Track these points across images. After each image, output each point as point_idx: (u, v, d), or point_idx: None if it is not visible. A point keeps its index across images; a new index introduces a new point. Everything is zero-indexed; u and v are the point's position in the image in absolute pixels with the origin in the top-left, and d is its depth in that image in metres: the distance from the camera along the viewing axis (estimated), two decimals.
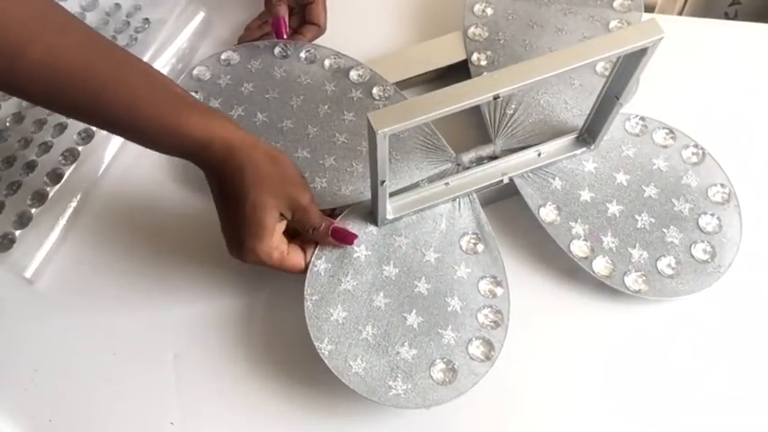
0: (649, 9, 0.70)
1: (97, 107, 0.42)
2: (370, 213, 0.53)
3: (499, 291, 0.50)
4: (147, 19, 0.65)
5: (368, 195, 0.53)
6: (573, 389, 0.50)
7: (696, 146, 0.56)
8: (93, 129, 0.60)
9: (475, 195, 0.54)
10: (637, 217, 0.53)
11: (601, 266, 0.52)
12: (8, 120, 0.61)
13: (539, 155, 0.55)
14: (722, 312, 0.52)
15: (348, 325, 0.49)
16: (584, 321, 0.52)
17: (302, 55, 0.61)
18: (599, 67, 0.59)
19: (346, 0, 0.69)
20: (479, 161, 0.56)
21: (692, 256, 0.52)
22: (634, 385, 0.50)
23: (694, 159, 0.56)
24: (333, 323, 0.49)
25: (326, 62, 0.61)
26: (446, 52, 0.62)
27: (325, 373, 0.47)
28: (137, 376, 0.52)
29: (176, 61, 0.64)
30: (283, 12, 0.61)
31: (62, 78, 0.40)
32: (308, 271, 0.50)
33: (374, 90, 0.59)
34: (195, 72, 0.61)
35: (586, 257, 0.52)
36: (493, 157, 0.56)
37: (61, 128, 0.60)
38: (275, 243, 0.47)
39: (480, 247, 0.52)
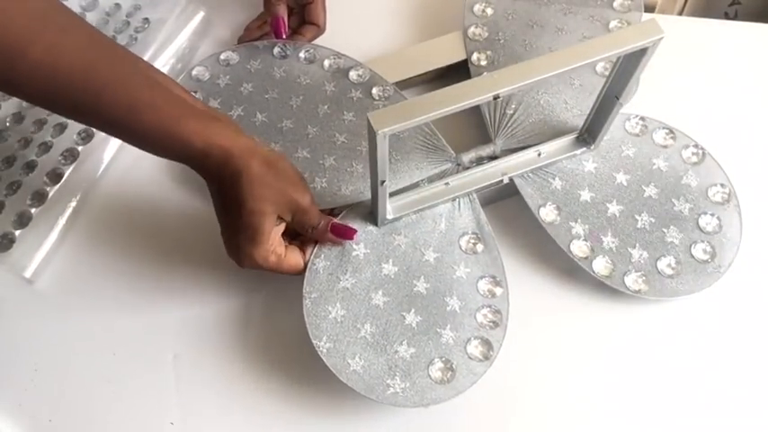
0: (649, 9, 0.70)
1: (97, 108, 0.42)
2: (370, 213, 0.53)
3: (498, 291, 0.50)
4: (146, 19, 0.65)
5: (368, 195, 0.53)
6: (572, 389, 0.50)
7: (696, 146, 0.56)
8: (93, 129, 0.60)
9: (475, 195, 0.54)
10: (637, 217, 0.53)
11: (601, 266, 0.52)
12: (8, 120, 0.61)
13: (539, 155, 0.55)
14: (722, 312, 0.52)
15: (347, 323, 0.49)
16: (584, 321, 0.52)
17: (302, 55, 0.61)
18: (599, 67, 0.59)
19: (346, 0, 0.69)
20: (479, 161, 0.56)
21: (692, 256, 0.52)
22: (634, 385, 0.50)
23: (694, 159, 0.56)
24: (331, 321, 0.49)
25: (326, 62, 0.61)
26: (446, 52, 0.62)
27: (323, 372, 0.47)
28: (137, 376, 0.52)
29: (176, 61, 0.64)
30: (282, 12, 0.61)
31: (62, 79, 0.40)
32: (307, 269, 0.50)
33: (374, 90, 0.59)
34: (194, 72, 0.61)
35: (586, 257, 0.52)
36: (493, 157, 0.56)
37: (61, 128, 0.60)
38: (272, 247, 0.47)
39: (480, 247, 0.52)
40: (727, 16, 0.84)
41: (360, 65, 0.60)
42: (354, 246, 0.52)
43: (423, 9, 0.69)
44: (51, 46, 0.39)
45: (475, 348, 0.48)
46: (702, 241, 0.52)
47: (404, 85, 0.62)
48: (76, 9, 0.67)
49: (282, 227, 0.48)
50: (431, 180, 0.55)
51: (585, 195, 0.54)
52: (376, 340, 0.48)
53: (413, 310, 0.50)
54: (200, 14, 0.66)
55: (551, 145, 0.55)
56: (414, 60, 0.62)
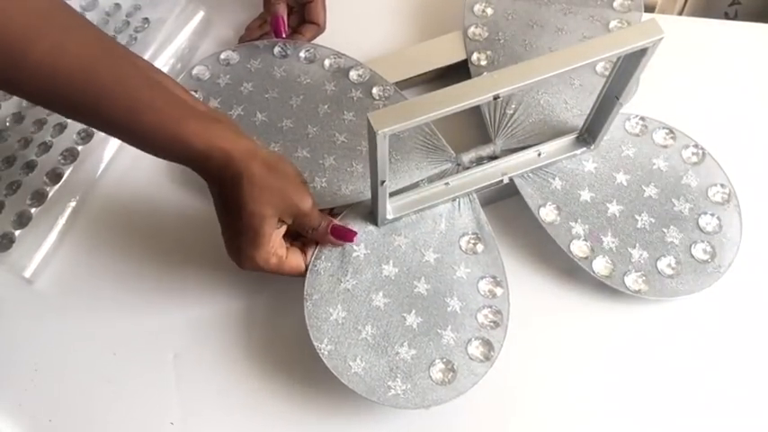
0: (649, 9, 0.70)
1: (96, 109, 0.42)
2: (370, 213, 0.53)
3: (499, 291, 0.50)
4: (146, 19, 0.65)
5: (368, 195, 0.53)
6: (573, 389, 0.50)
7: (696, 146, 0.56)
8: (93, 129, 0.60)
9: (475, 195, 0.54)
10: (637, 217, 0.53)
11: (601, 266, 0.52)
12: (8, 119, 0.61)
13: (539, 155, 0.55)
14: (722, 312, 0.52)
15: (348, 325, 0.49)
16: (584, 321, 0.52)
17: (302, 55, 0.61)
18: (599, 67, 0.59)
19: (346, 0, 0.69)
20: (479, 161, 0.56)
21: (692, 256, 0.52)
22: (634, 385, 0.50)
23: (694, 159, 0.56)
24: (332, 323, 0.49)
25: (326, 62, 0.61)
26: (446, 52, 0.62)
27: (324, 373, 0.47)
28: (137, 376, 0.52)
29: (176, 61, 0.64)
30: (282, 11, 0.61)
31: (62, 78, 0.40)
32: (308, 271, 0.50)
33: (374, 90, 0.59)
34: (195, 72, 0.61)
35: (586, 257, 0.52)
36: (493, 157, 0.56)
37: (61, 128, 0.60)
38: (273, 249, 0.47)
39: (480, 248, 0.52)
40: (727, 16, 0.84)
41: (360, 65, 0.60)
42: (355, 247, 0.52)
43: (423, 9, 0.69)
44: (53, 45, 0.39)
45: (476, 349, 0.48)
46: (702, 241, 0.52)
47: (404, 84, 0.62)
48: (77, 9, 0.67)
49: (284, 229, 0.48)
50: (431, 180, 0.55)
51: (585, 195, 0.54)
52: (377, 342, 0.48)
53: (413, 312, 0.50)
54: (200, 14, 0.66)
55: (551, 145, 0.55)
56: (414, 60, 0.62)
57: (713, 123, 0.59)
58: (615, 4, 0.62)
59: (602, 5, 0.62)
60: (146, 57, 0.63)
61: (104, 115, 0.42)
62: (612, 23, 0.61)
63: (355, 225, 0.52)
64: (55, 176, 0.58)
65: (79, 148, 0.59)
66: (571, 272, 0.54)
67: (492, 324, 0.49)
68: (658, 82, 0.60)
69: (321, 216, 0.49)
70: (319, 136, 0.57)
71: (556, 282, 0.54)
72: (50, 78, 0.40)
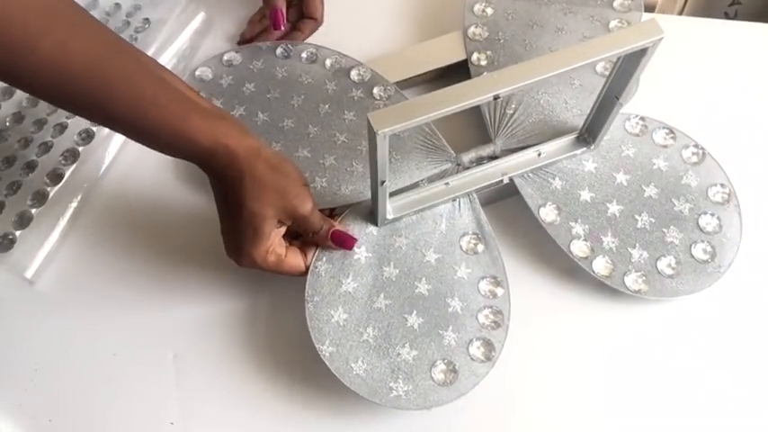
0: (649, 9, 0.70)
1: (102, 105, 0.42)
2: (371, 213, 0.53)
3: (499, 291, 0.50)
4: (147, 19, 0.65)
5: (368, 195, 0.53)
6: (573, 389, 0.50)
7: (696, 146, 0.56)
8: (94, 129, 0.60)
9: (475, 195, 0.54)
10: (637, 217, 0.53)
11: (601, 266, 0.52)
12: (8, 119, 0.61)
13: (539, 155, 0.55)
14: (722, 312, 0.52)
15: (349, 327, 0.49)
16: (584, 321, 0.52)
17: (303, 55, 0.61)
18: (599, 67, 0.59)
19: (347, 0, 0.69)
20: (479, 161, 0.56)
21: (692, 256, 0.52)
22: (634, 385, 0.50)
23: (694, 159, 0.56)
24: (334, 325, 0.49)
25: (327, 62, 0.61)
26: (446, 52, 0.62)
27: (326, 375, 0.47)
28: (137, 376, 0.52)
29: (177, 61, 0.64)
30: (281, 4, 0.62)
31: (69, 74, 0.40)
32: (309, 272, 0.50)
33: (375, 90, 0.59)
34: (198, 73, 0.61)
35: (586, 257, 0.52)
36: (493, 157, 0.56)
37: (61, 128, 0.60)
38: (272, 247, 0.47)
39: (480, 248, 0.52)
40: (727, 16, 0.84)
41: (361, 64, 0.60)
42: (356, 249, 0.52)
43: (423, 9, 0.69)
44: (59, 41, 0.39)
45: (477, 349, 0.48)
46: (702, 241, 0.52)
47: (404, 84, 0.62)
48: None
49: (283, 229, 0.48)
50: (431, 180, 0.55)
51: (585, 195, 0.54)
52: (378, 343, 0.48)
53: (414, 312, 0.50)
54: (201, 14, 0.66)
55: (551, 145, 0.55)
56: (414, 60, 0.62)
57: (713, 123, 0.59)
58: (615, 4, 0.62)
59: (602, 5, 0.62)
60: None
61: (109, 111, 0.42)
62: (612, 23, 0.61)
63: (355, 225, 0.52)
64: (56, 177, 0.58)
65: (80, 148, 0.59)
66: (571, 272, 0.54)
67: (493, 324, 0.49)
68: (658, 82, 0.60)
69: (322, 219, 0.49)
70: (320, 136, 0.57)
71: (556, 282, 0.54)
72: (56, 74, 0.40)
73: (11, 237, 0.56)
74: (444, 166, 0.55)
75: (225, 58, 0.62)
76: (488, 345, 0.48)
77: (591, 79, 0.59)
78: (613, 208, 0.54)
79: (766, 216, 0.55)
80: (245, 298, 0.54)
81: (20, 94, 0.63)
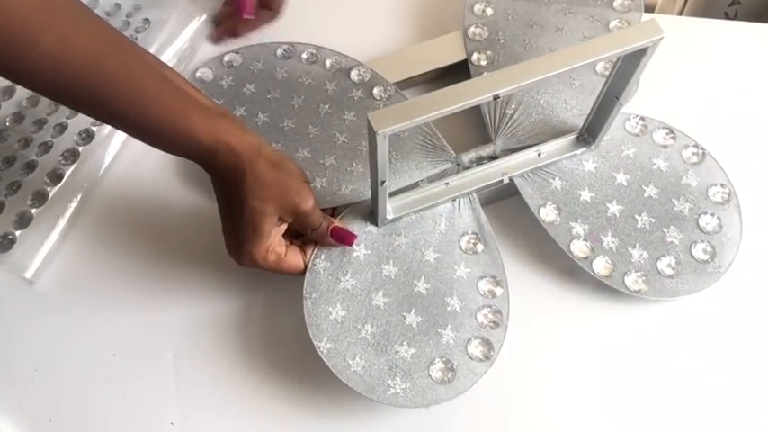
0: (649, 9, 0.70)
1: (104, 102, 0.42)
2: (370, 213, 0.53)
3: (498, 291, 0.50)
4: (147, 19, 0.65)
5: (368, 195, 0.53)
6: (572, 389, 0.50)
7: (696, 146, 0.56)
8: (94, 129, 0.60)
9: (475, 195, 0.54)
10: (637, 217, 0.53)
11: (601, 266, 0.52)
12: (8, 119, 0.62)
13: (539, 155, 0.55)
14: (722, 312, 0.52)
15: (347, 324, 0.49)
16: (584, 321, 0.52)
17: (304, 56, 0.61)
18: (599, 67, 0.59)
19: (347, 0, 0.69)
20: (479, 161, 0.56)
21: (692, 256, 0.52)
22: (634, 385, 0.50)
23: (694, 159, 0.56)
24: (332, 322, 0.49)
25: (327, 62, 0.61)
26: (446, 52, 0.62)
27: (324, 372, 0.47)
28: (137, 376, 0.52)
29: (177, 62, 0.64)
30: None
31: (70, 70, 0.40)
32: (308, 270, 0.50)
33: (375, 90, 0.59)
34: (198, 73, 0.61)
35: (586, 257, 0.52)
36: (493, 157, 0.56)
37: (61, 128, 0.60)
38: (272, 246, 0.47)
39: (480, 247, 0.52)
40: (727, 16, 0.85)
41: (361, 65, 0.60)
42: (355, 247, 0.52)
43: (423, 9, 0.69)
44: (62, 37, 0.39)
45: (475, 348, 0.48)
46: (702, 241, 0.52)
47: (404, 84, 0.62)
48: None
49: (284, 227, 0.48)
50: (431, 180, 0.55)
51: (585, 195, 0.54)
52: (376, 341, 0.49)
53: (413, 311, 0.50)
54: (201, 15, 0.66)
55: (551, 145, 0.55)
56: (414, 60, 0.62)
57: (713, 123, 0.59)
58: (615, 4, 0.62)
59: (602, 5, 0.62)
60: None
61: (111, 108, 0.42)
62: (612, 23, 0.61)
63: (355, 225, 0.52)
64: (56, 177, 0.58)
65: (80, 148, 0.59)
66: (571, 272, 0.54)
67: (492, 324, 0.49)
68: (658, 82, 0.60)
69: (322, 217, 0.49)
70: (320, 136, 0.57)
71: (556, 282, 0.54)
72: (57, 70, 0.40)
73: (11, 237, 0.56)
74: (444, 166, 0.55)
75: (225, 59, 0.62)
76: (487, 344, 0.48)
77: (591, 79, 0.59)
78: (613, 208, 0.54)
79: (766, 216, 0.55)
80: (244, 297, 0.54)
81: (20, 94, 0.63)
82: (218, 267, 0.54)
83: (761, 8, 0.83)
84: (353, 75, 0.60)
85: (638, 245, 0.52)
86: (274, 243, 0.47)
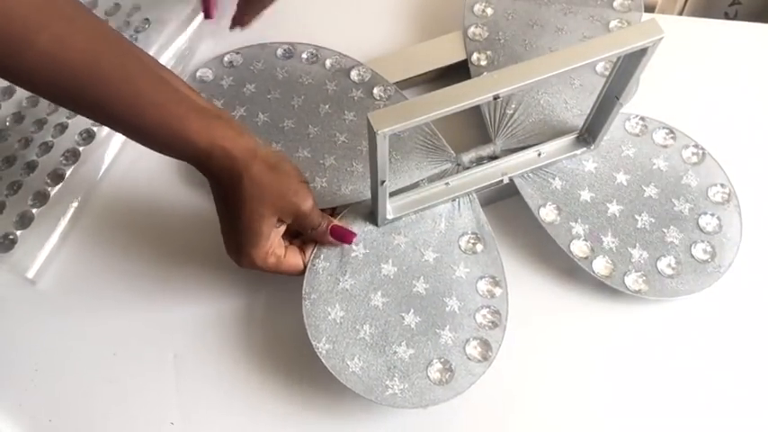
0: (649, 9, 0.70)
1: (100, 102, 0.41)
2: (370, 213, 0.53)
3: (498, 291, 0.50)
4: (147, 19, 0.65)
5: (368, 195, 0.53)
6: (572, 389, 0.50)
7: (696, 146, 0.56)
8: (94, 129, 0.60)
9: (475, 195, 0.54)
10: (637, 217, 0.53)
11: (601, 266, 0.52)
12: (8, 119, 0.62)
13: (539, 155, 0.55)
14: (722, 312, 0.52)
15: (346, 324, 0.49)
16: (584, 321, 0.52)
17: (304, 56, 0.61)
18: (599, 67, 0.59)
19: (347, 0, 0.69)
20: (479, 161, 0.56)
21: (692, 256, 0.52)
22: (634, 385, 0.50)
23: (694, 159, 0.56)
24: (330, 322, 0.49)
25: (328, 62, 0.61)
26: (446, 52, 0.62)
27: (322, 372, 0.47)
28: (137, 376, 0.52)
29: (176, 62, 0.64)
30: None
31: (67, 70, 0.40)
32: (307, 270, 0.50)
33: (375, 90, 0.59)
34: (198, 74, 0.61)
35: (586, 257, 0.52)
36: (493, 157, 0.56)
37: (62, 128, 0.60)
38: (272, 248, 0.47)
39: (479, 247, 0.52)
40: (727, 16, 0.84)
41: (361, 65, 0.60)
42: (354, 246, 0.52)
43: (423, 9, 0.69)
44: (58, 36, 0.39)
45: (474, 349, 0.48)
46: (702, 241, 0.52)
47: (404, 84, 0.62)
48: None
49: (283, 228, 0.48)
50: (431, 180, 0.55)
51: (585, 195, 0.54)
52: (375, 341, 0.49)
53: (412, 311, 0.50)
54: (201, 15, 0.66)
55: (551, 145, 0.55)
56: (414, 60, 0.62)
57: (713, 123, 0.59)
58: (615, 4, 0.62)
59: (602, 5, 0.62)
60: None
61: (108, 109, 0.42)
62: (612, 23, 0.61)
63: (355, 225, 0.52)
64: (56, 177, 0.58)
65: (81, 148, 0.59)
66: (571, 272, 0.54)
67: (490, 324, 0.49)
68: (658, 82, 0.60)
69: (321, 216, 0.49)
70: (320, 136, 0.57)
71: (556, 282, 0.54)
72: (54, 70, 0.39)
73: (12, 237, 0.56)
74: (444, 166, 0.55)
75: (225, 59, 0.62)
76: (485, 344, 0.48)
77: (591, 79, 0.59)
78: (613, 208, 0.54)
79: (766, 216, 0.55)
80: (243, 297, 0.54)
81: (20, 94, 0.63)
82: (218, 268, 0.55)
83: (761, 8, 0.83)
84: (353, 75, 0.60)
85: (638, 245, 0.52)
86: (274, 245, 0.47)
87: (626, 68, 0.47)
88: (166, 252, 0.57)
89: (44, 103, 0.62)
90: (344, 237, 0.51)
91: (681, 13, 0.85)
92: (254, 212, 0.45)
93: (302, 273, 0.50)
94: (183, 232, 0.57)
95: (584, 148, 0.55)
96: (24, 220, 0.56)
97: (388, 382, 0.47)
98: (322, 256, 0.51)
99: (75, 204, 0.58)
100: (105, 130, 0.60)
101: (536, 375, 0.51)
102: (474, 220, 0.53)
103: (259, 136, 0.57)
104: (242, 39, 0.64)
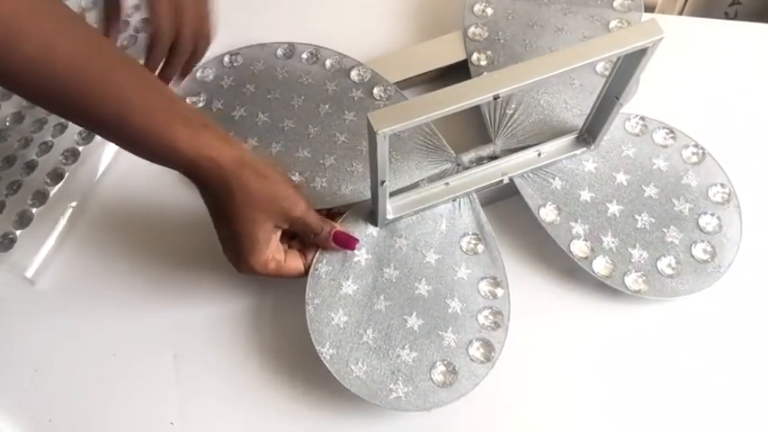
0: (649, 9, 0.70)
1: (87, 108, 0.41)
2: (371, 213, 0.53)
3: (499, 291, 0.50)
4: (146, 19, 0.65)
5: (368, 195, 0.53)
6: (573, 389, 0.50)
7: (696, 146, 0.56)
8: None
9: (475, 195, 0.54)
10: (637, 217, 0.53)
11: (601, 266, 0.52)
12: (8, 119, 0.61)
13: (539, 155, 0.55)
14: (722, 312, 0.52)
15: (349, 329, 0.49)
16: (584, 321, 0.52)
17: (304, 56, 0.61)
18: (599, 67, 0.59)
19: (347, 0, 0.69)
20: (479, 161, 0.56)
21: (692, 256, 0.52)
22: (634, 385, 0.50)
23: (694, 159, 0.56)
24: (334, 327, 0.49)
25: (328, 62, 0.61)
26: (446, 52, 0.62)
27: (326, 377, 0.47)
28: (137, 376, 0.52)
29: None
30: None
31: (54, 75, 0.39)
32: (310, 275, 0.50)
33: (375, 90, 0.59)
34: (198, 74, 0.61)
35: (586, 257, 0.52)
36: (493, 157, 0.56)
37: (62, 127, 0.60)
38: (271, 254, 0.47)
39: (480, 248, 0.52)
40: (727, 16, 0.85)
41: (361, 65, 0.60)
42: (356, 251, 0.51)
43: (423, 9, 0.69)
44: (46, 40, 0.38)
45: (476, 350, 0.48)
46: (702, 241, 0.52)
47: (404, 84, 0.62)
48: (76, 9, 0.67)
49: (279, 233, 0.48)
50: (431, 180, 0.55)
51: (585, 195, 0.54)
52: (378, 345, 0.48)
53: (414, 314, 0.50)
54: None
55: (551, 145, 0.55)
56: (414, 60, 0.62)
57: (713, 123, 0.59)
58: (615, 4, 0.62)
59: (602, 5, 0.62)
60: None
61: (95, 115, 0.41)
62: (612, 23, 0.61)
63: (356, 226, 0.52)
64: (56, 176, 0.58)
65: (80, 148, 0.59)
66: (571, 272, 0.54)
67: (493, 325, 0.49)
68: (658, 82, 0.60)
69: (322, 221, 0.49)
70: (320, 136, 0.57)
71: (556, 282, 0.54)
72: (40, 74, 0.39)
73: (11, 236, 0.56)
74: (444, 166, 0.55)
75: (225, 59, 0.62)
76: (488, 346, 0.48)
77: (591, 79, 0.59)
78: (613, 208, 0.54)
79: (766, 216, 0.55)
80: (245, 299, 0.54)
81: None
82: (219, 268, 0.54)
83: (761, 8, 0.83)
84: (353, 75, 0.60)
85: (638, 245, 0.52)
86: (272, 250, 0.47)
87: (626, 68, 0.47)
88: (167, 252, 0.57)
89: None
90: (347, 243, 0.50)
91: (681, 13, 0.85)
92: (247, 221, 0.45)
93: (304, 275, 0.50)
94: (184, 232, 0.57)
95: (584, 148, 0.55)
96: (24, 220, 0.56)
97: (392, 386, 0.47)
98: (324, 261, 0.51)
99: (74, 204, 0.58)
100: None
101: (537, 376, 0.51)
102: (474, 221, 0.53)
103: (259, 136, 0.57)
104: (242, 39, 0.64)
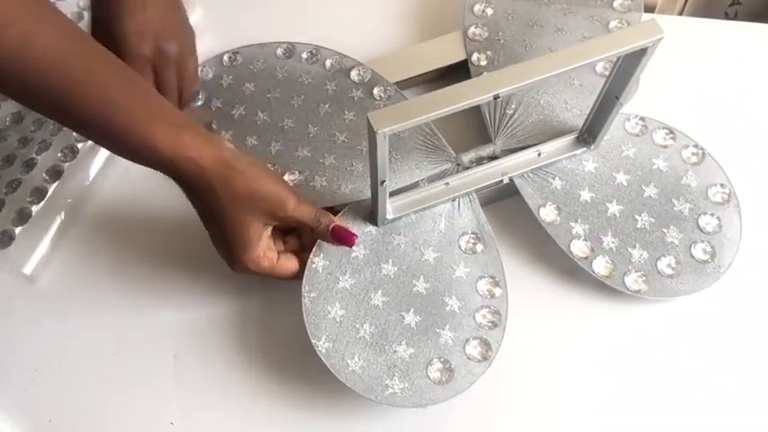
0: (649, 9, 0.70)
1: (69, 106, 0.41)
2: (370, 213, 0.53)
3: (497, 291, 0.50)
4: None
5: (367, 194, 0.53)
6: (572, 389, 0.50)
7: (696, 146, 0.56)
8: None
9: (475, 195, 0.54)
10: (637, 217, 0.53)
11: (601, 266, 0.52)
12: (8, 119, 0.62)
13: (539, 155, 0.55)
14: (722, 312, 0.52)
15: (346, 323, 0.49)
16: (584, 321, 0.52)
17: (304, 55, 0.61)
18: (599, 67, 0.59)
19: (347, 0, 0.69)
20: (479, 161, 0.56)
21: (692, 256, 0.52)
22: (634, 385, 0.50)
23: (694, 159, 0.56)
24: (330, 321, 0.49)
25: (328, 62, 0.61)
26: (446, 52, 0.62)
27: (322, 371, 0.47)
28: (137, 376, 0.52)
29: None
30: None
31: (35, 71, 0.39)
32: (306, 268, 0.50)
33: (375, 90, 0.59)
34: (198, 73, 0.61)
35: (586, 257, 0.52)
36: (493, 157, 0.56)
37: (61, 126, 0.60)
38: (263, 252, 0.47)
39: (479, 247, 0.52)
40: (727, 16, 0.85)
41: (361, 65, 0.60)
42: (354, 247, 0.51)
43: (423, 9, 0.69)
44: (26, 34, 0.38)
45: (474, 349, 0.48)
46: (702, 241, 0.52)
47: (404, 84, 0.62)
48: (74, 8, 0.67)
49: (270, 229, 0.48)
50: (431, 180, 0.55)
51: (585, 195, 0.54)
52: (375, 340, 0.48)
53: (412, 311, 0.50)
54: (198, 14, 0.66)
55: (551, 145, 0.55)
56: (414, 60, 0.62)
57: (713, 123, 0.59)
58: (615, 4, 0.62)
59: (602, 5, 0.62)
60: None
61: (76, 114, 0.41)
62: (612, 23, 0.61)
63: (355, 225, 0.52)
64: (54, 174, 0.58)
65: (79, 145, 0.59)
66: (571, 272, 0.54)
67: (490, 324, 0.49)
68: (658, 82, 0.60)
69: (319, 213, 0.49)
70: (320, 135, 0.57)
71: (556, 282, 0.54)
72: (21, 69, 0.38)
73: (10, 233, 0.56)
74: (444, 166, 0.55)
75: (225, 58, 0.62)
76: (485, 344, 0.48)
77: (591, 79, 0.59)
78: (613, 208, 0.54)
79: (766, 216, 0.55)
80: (244, 298, 0.54)
81: None
82: (218, 267, 0.54)
83: (761, 8, 0.83)
84: (353, 75, 0.60)
85: (638, 245, 0.52)
86: (263, 247, 0.47)
87: (626, 68, 0.47)
88: (166, 251, 0.57)
89: None
90: (345, 239, 0.50)
91: (681, 13, 0.85)
92: (235, 222, 0.44)
93: (297, 277, 0.50)
94: (183, 230, 0.57)
95: (584, 148, 0.55)
96: (22, 217, 0.56)
97: (387, 382, 0.47)
98: (321, 255, 0.51)
99: (73, 202, 0.58)
100: None
101: (536, 375, 0.51)
102: (474, 220, 0.53)
103: (258, 135, 0.57)
104: (242, 38, 0.64)
